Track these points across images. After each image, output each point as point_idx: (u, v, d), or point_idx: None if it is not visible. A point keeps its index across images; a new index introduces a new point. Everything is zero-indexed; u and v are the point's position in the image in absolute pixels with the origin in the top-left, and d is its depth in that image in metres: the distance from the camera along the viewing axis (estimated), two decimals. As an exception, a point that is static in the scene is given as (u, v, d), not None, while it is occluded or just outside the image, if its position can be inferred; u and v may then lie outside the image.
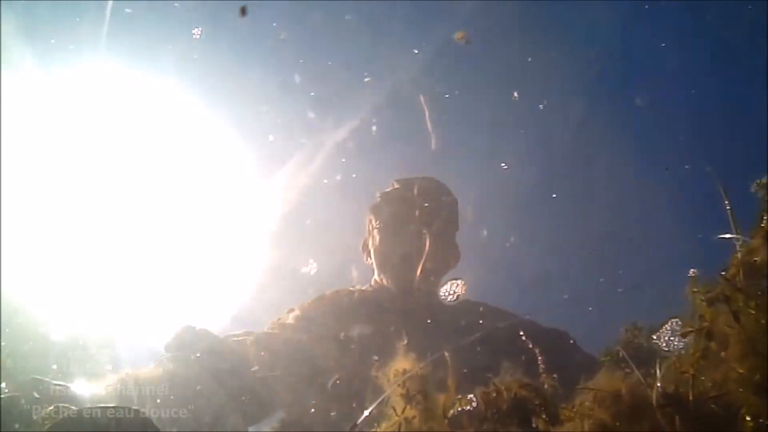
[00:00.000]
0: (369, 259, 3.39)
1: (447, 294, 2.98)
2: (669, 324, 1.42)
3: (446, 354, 1.32)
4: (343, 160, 4.35)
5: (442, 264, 3.28)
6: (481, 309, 3.25)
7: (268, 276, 4.15)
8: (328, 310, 3.13)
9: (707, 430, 1.26)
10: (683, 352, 1.34)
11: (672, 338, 1.41)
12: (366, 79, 4.28)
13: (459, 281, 3.00)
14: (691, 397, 1.27)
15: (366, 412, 1.14)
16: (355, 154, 4.43)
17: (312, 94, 4.67)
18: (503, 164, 4.46)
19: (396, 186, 3.40)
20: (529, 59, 4.82)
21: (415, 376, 1.17)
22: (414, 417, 1.11)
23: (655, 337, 1.44)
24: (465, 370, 1.39)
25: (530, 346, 2.19)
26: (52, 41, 4.07)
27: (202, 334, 2.80)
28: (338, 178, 4.44)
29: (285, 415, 2.79)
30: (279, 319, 3.16)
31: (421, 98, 3.84)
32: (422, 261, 3.10)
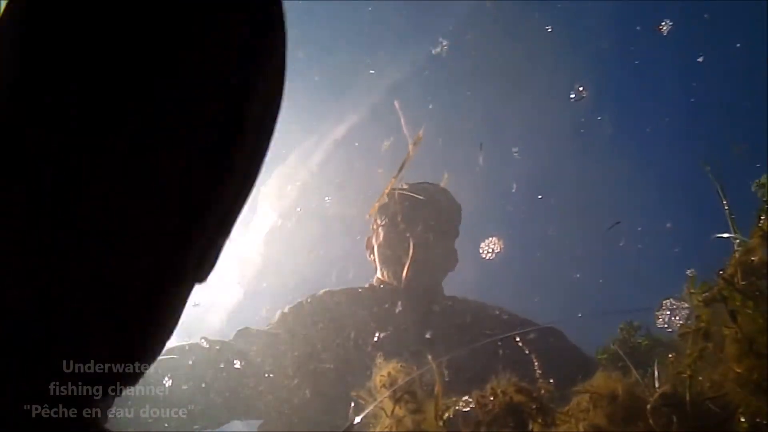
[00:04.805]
0: (372, 255, 3.44)
1: (485, 252, 2.96)
2: (666, 303, 1.41)
3: (438, 354, 1.31)
4: (349, 158, 4.35)
5: (439, 266, 3.31)
6: (478, 308, 3.26)
7: (265, 274, 4.13)
8: (321, 309, 3.13)
9: (705, 430, 1.25)
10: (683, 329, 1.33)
11: (672, 317, 1.40)
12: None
13: (494, 239, 2.99)
14: (688, 398, 1.26)
15: (358, 419, 1.13)
16: (362, 153, 4.43)
17: (315, 82, 4.64)
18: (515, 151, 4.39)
19: (404, 186, 3.45)
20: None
21: (405, 376, 1.16)
22: (404, 417, 1.10)
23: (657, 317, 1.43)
24: (459, 371, 1.38)
25: (525, 346, 2.17)
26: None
27: None
28: (344, 175, 4.43)
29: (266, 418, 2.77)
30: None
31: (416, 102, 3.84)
32: (420, 261, 3.12)
